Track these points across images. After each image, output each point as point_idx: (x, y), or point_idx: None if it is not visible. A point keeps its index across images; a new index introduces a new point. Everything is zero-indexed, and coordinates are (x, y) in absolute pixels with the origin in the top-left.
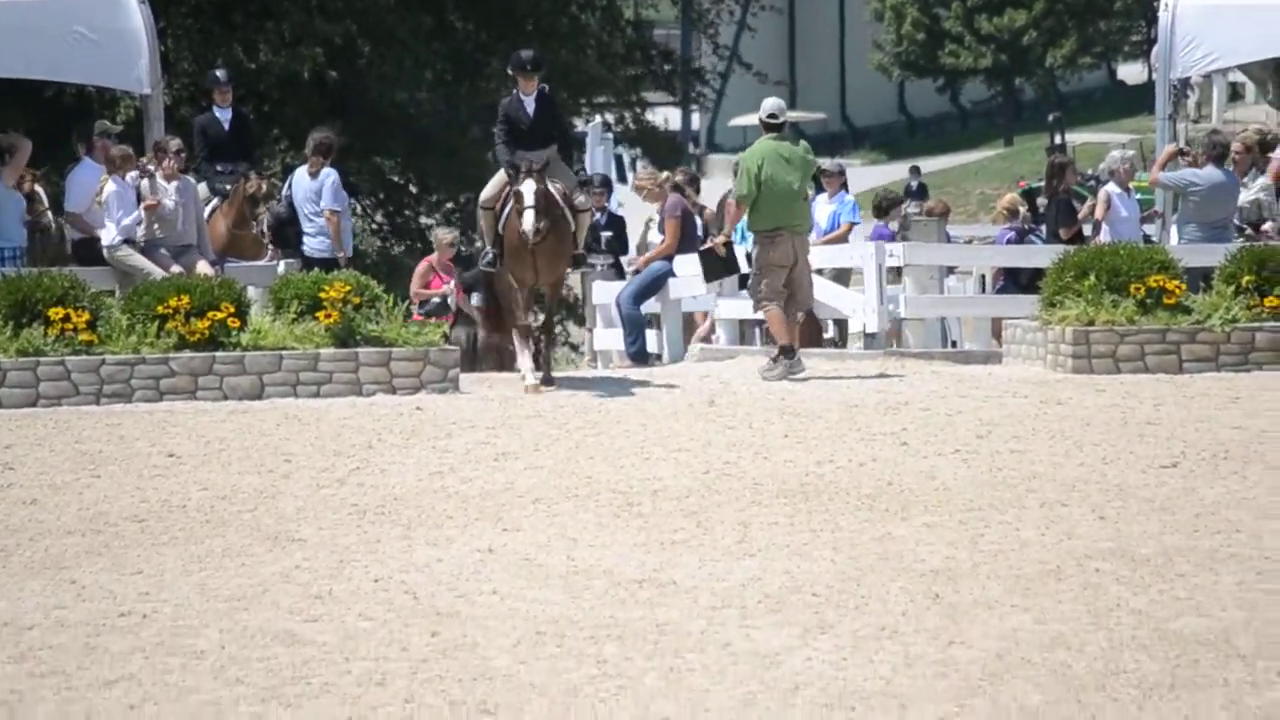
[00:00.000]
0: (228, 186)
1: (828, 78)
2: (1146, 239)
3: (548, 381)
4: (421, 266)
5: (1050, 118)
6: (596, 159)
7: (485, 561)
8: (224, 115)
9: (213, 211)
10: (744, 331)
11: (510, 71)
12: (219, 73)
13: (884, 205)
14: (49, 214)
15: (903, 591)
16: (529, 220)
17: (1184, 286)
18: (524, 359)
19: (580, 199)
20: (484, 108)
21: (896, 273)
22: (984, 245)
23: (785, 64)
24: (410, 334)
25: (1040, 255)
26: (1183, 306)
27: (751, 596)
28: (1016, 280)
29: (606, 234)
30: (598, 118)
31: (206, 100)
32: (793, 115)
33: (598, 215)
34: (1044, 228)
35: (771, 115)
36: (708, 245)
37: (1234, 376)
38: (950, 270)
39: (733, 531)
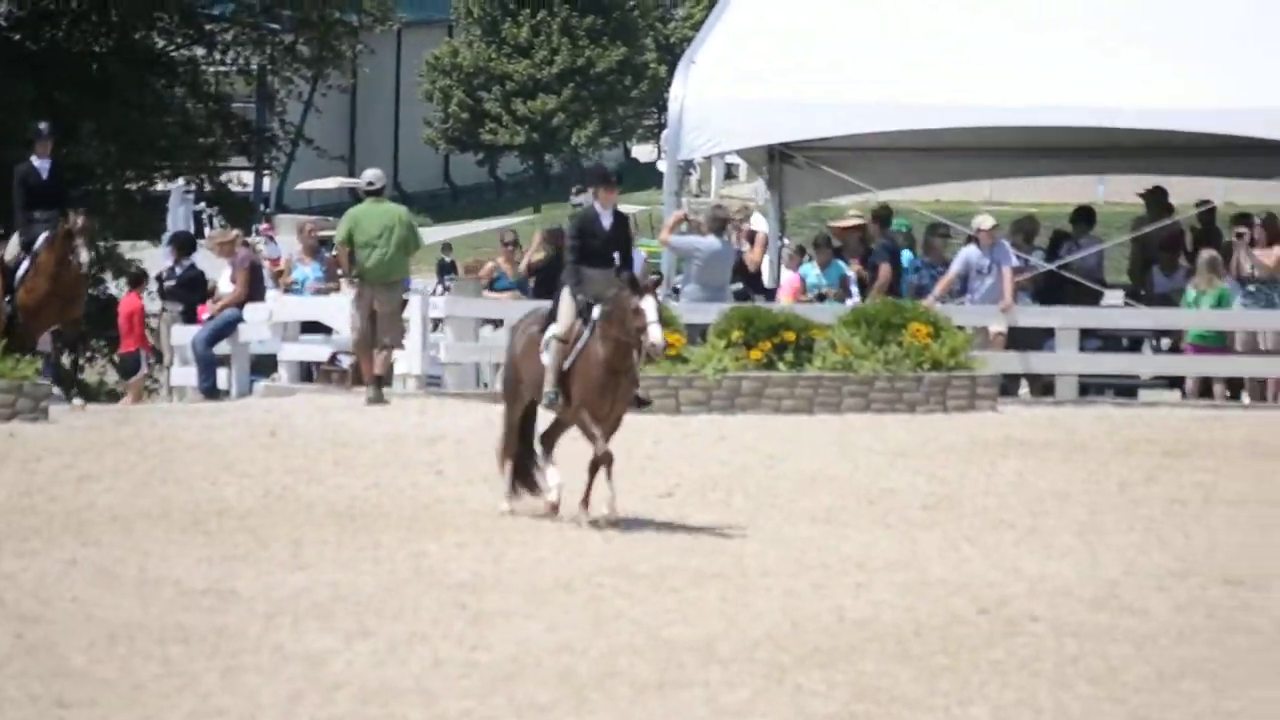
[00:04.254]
0: (45, 232)
1: (384, 149)
2: None
3: (613, 523)
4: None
5: (574, 189)
6: (179, 217)
7: (67, 571)
8: (43, 165)
9: (27, 268)
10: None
11: (590, 184)
12: (42, 126)
13: None
14: None
15: (434, 602)
16: (656, 334)
17: (684, 340)
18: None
19: None
20: (75, 165)
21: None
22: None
23: (348, 136)
24: (6, 368)
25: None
26: (681, 357)
27: (302, 605)
28: None
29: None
30: (180, 180)
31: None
32: (350, 181)
33: (178, 269)
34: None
35: (370, 183)
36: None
37: (723, 418)
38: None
39: (287, 548)
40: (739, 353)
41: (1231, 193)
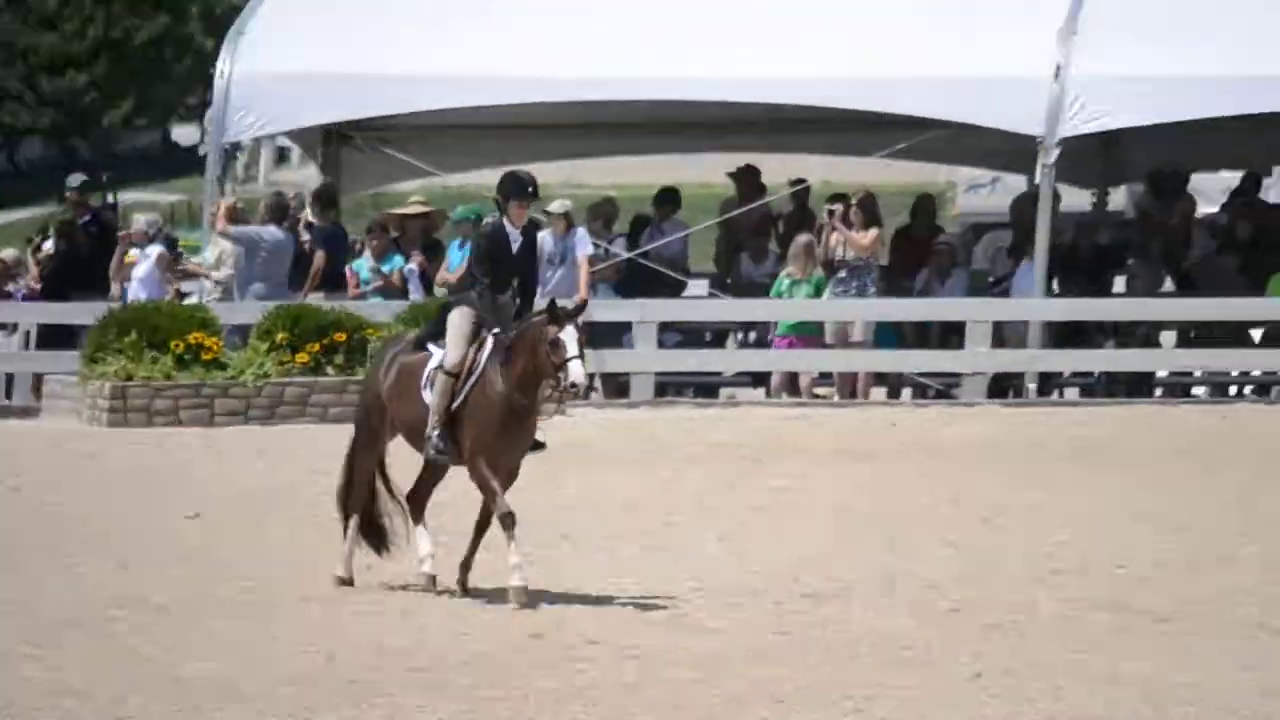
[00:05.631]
0: None
1: None
2: None
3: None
4: None
5: (104, 177)
6: None
7: None
8: None
9: None
10: None
11: (503, 196)
12: None
13: None
14: None
15: None
16: (578, 371)
17: (221, 343)
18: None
19: None
20: None
21: None
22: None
23: None
24: None
25: (83, 314)
26: (219, 362)
27: None
28: None
29: None
30: None
31: None
32: None
33: None
34: None
35: None
36: None
37: (263, 429)
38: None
39: None
40: (284, 355)
41: (830, 171)
